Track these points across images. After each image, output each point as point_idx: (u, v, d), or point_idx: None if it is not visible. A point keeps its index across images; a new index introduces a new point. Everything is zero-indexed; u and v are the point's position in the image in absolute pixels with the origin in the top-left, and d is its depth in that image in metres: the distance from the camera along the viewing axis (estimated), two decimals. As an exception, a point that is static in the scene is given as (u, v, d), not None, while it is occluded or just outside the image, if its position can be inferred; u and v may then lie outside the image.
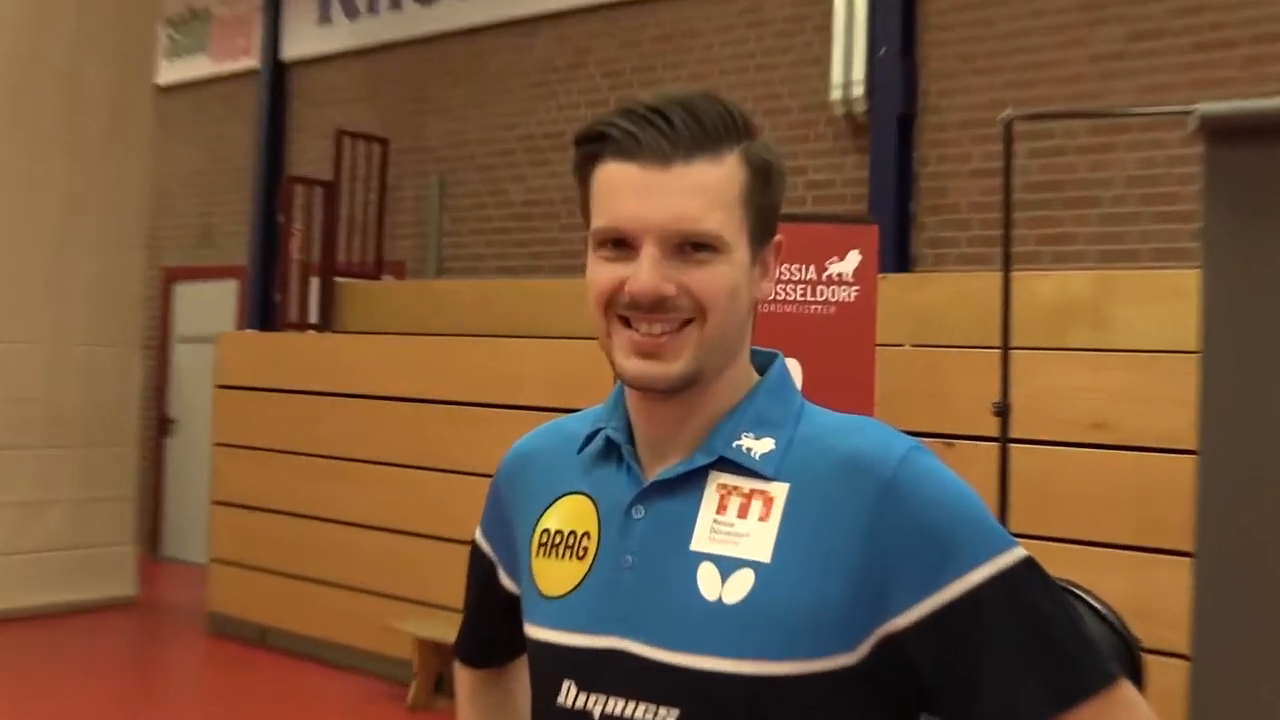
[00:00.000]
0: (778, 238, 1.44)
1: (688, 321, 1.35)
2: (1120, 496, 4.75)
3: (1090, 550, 4.71)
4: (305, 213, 9.13)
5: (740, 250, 1.37)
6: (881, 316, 4.99)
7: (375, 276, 9.31)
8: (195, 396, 10.83)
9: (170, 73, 11.32)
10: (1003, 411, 4.43)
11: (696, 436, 1.40)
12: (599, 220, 1.37)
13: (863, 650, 1.30)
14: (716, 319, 1.35)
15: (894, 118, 7.10)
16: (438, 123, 9.59)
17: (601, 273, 1.37)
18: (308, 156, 10.39)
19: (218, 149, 11.42)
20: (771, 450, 1.37)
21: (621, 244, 1.36)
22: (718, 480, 1.38)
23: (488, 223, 9.21)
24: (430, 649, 6.76)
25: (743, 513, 1.36)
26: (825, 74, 7.40)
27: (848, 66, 7.24)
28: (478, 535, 1.65)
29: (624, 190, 1.35)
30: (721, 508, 1.37)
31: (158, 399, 11.46)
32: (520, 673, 1.70)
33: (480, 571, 1.65)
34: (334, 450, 7.69)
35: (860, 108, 7.24)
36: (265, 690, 7.31)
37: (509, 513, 1.58)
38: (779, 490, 1.35)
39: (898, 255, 6.95)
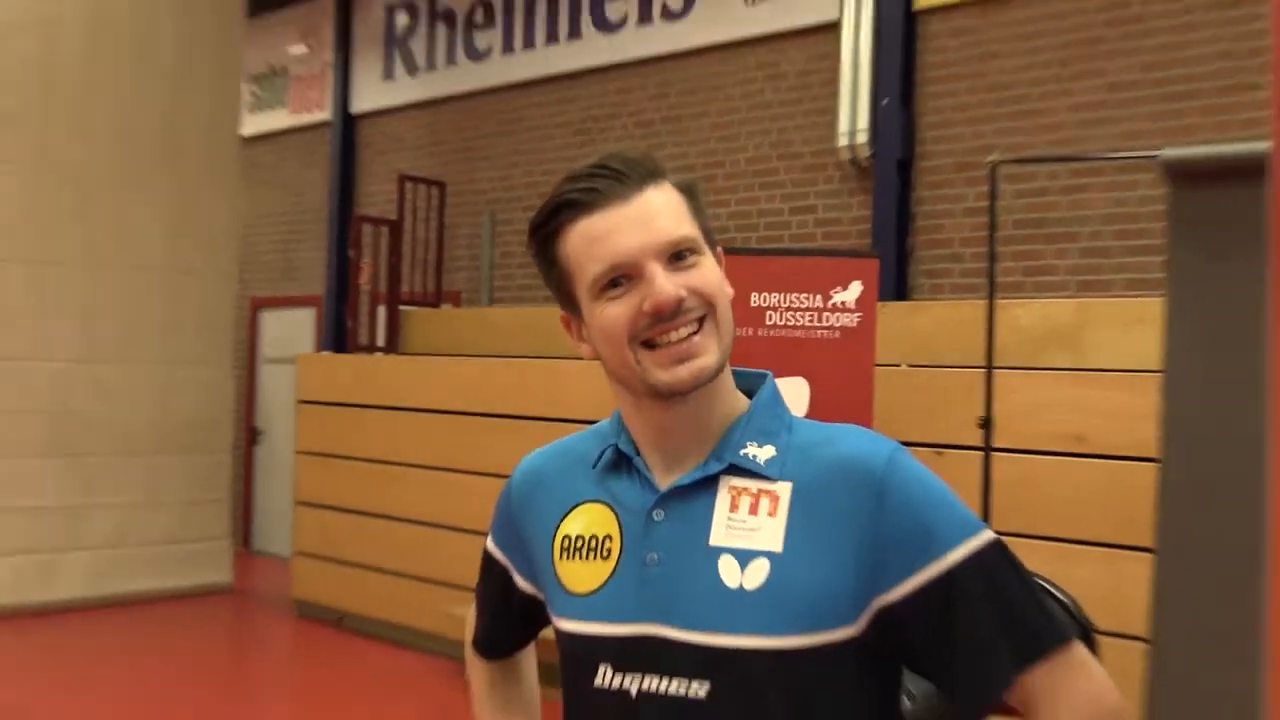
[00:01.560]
0: (719, 249, 1.45)
1: (702, 319, 1.36)
2: (1094, 500, 4.74)
3: (1066, 546, 4.70)
4: (373, 249, 9.19)
5: (709, 252, 1.40)
6: (880, 340, 4.97)
7: (434, 304, 9.38)
8: (280, 411, 10.94)
9: (254, 124, 11.44)
10: (986, 424, 4.43)
11: (705, 445, 1.41)
12: (594, 269, 1.36)
13: (863, 622, 1.33)
14: (722, 307, 1.38)
15: (894, 162, 7.09)
16: (489, 168, 9.62)
17: (615, 311, 1.36)
18: (375, 199, 10.46)
19: (296, 192, 11.52)
20: (774, 456, 1.39)
21: (620, 280, 1.36)
22: (728, 484, 1.39)
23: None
24: (485, 633, 6.79)
25: (753, 510, 1.37)
26: (833, 123, 7.40)
27: (853, 116, 7.23)
28: (489, 545, 1.64)
29: (606, 234, 1.35)
30: (734, 507, 1.38)
31: (247, 413, 11.54)
32: (526, 660, 1.74)
33: (495, 577, 1.64)
34: (400, 457, 7.74)
35: (864, 153, 7.23)
36: (342, 667, 7.35)
37: (521, 524, 1.56)
38: (783, 489, 1.37)
39: (896, 286, 6.93)
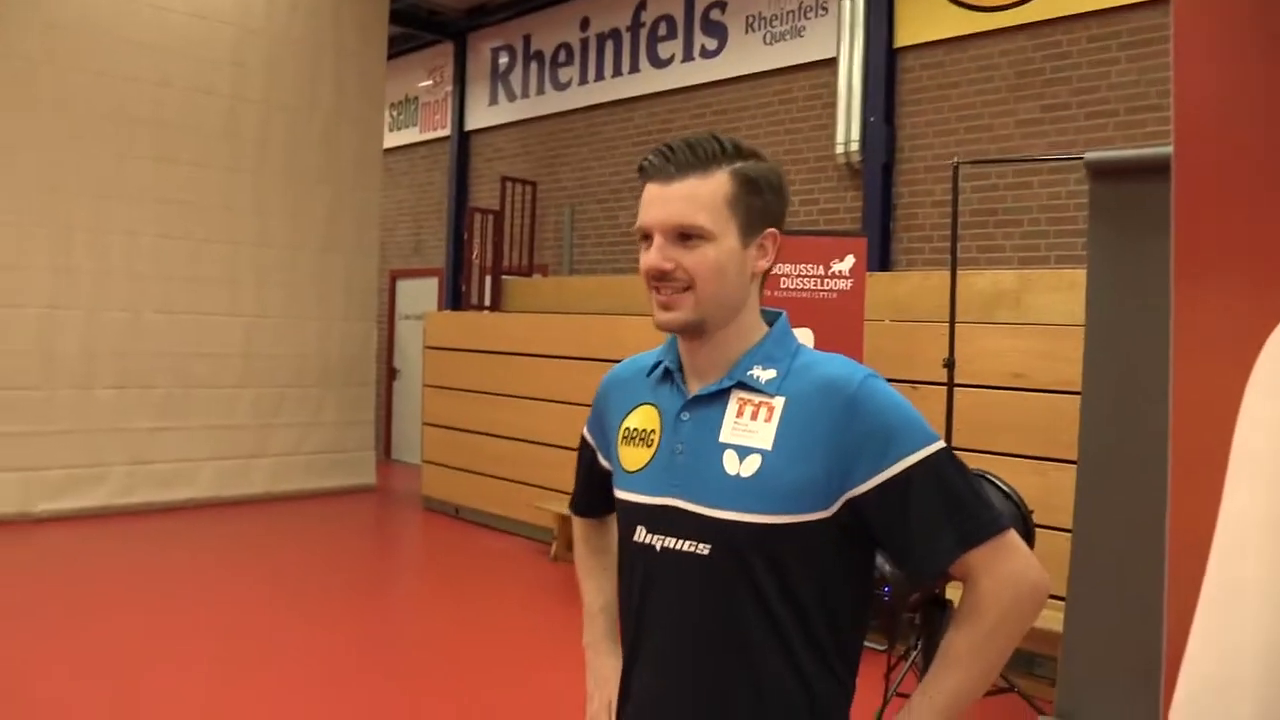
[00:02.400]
0: (771, 229, 1.40)
1: (688, 287, 1.35)
2: (1031, 423, 4.71)
3: (1009, 459, 4.68)
4: (481, 232, 9.22)
5: (729, 238, 1.35)
6: (869, 302, 4.98)
7: (528, 274, 9.40)
8: (412, 355, 11.02)
9: (392, 139, 11.47)
10: (950, 365, 4.42)
11: (723, 367, 1.41)
12: (638, 222, 1.39)
13: (834, 508, 1.32)
14: (704, 286, 1.35)
15: (879, 165, 7.02)
16: (569, 171, 9.60)
17: (643, 257, 1.39)
18: (483, 195, 10.48)
19: (424, 190, 11.55)
20: (774, 377, 1.38)
21: (647, 236, 1.38)
22: (738, 396, 1.39)
23: (603, 238, 9.24)
24: (565, 521, 6.81)
25: (754, 416, 1.36)
26: (832, 135, 7.34)
27: (848, 130, 7.17)
28: (584, 431, 1.66)
29: (647, 201, 1.37)
30: (740, 413, 1.37)
31: (388, 356, 11.65)
32: (614, 522, 1.74)
33: (586, 456, 1.65)
34: (501, 389, 7.78)
35: (856, 159, 7.17)
36: (458, 546, 7.42)
37: (604, 417, 1.58)
38: (778, 402, 1.36)
39: (881, 260, 6.88)
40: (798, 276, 4.76)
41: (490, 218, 9.20)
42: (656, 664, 1.42)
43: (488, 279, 9.11)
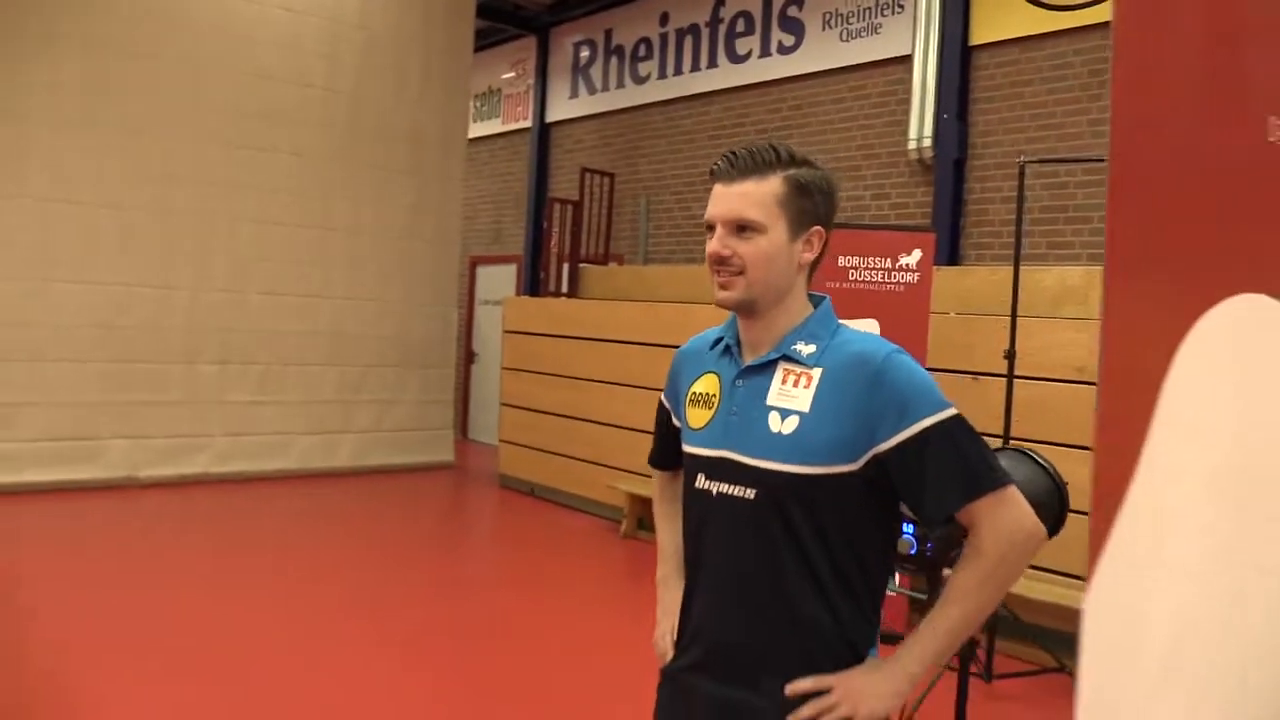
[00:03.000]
0: (817, 227, 1.61)
1: (741, 271, 1.57)
2: (1089, 415, 4.75)
3: (1066, 450, 4.70)
4: (560, 221, 9.35)
5: (778, 232, 1.57)
6: (935, 295, 5.03)
7: (604, 263, 9.47)
8: (491, 338, 11.20)
9: (476, 130, 11.65)
10: (1010, 357, 4.49)
11: (772, 342, 1.62)
12: (705, 215, 1.61)
13: (861, 463, 1.53)
14: (754, 271, 1.58)
15: (951, 161, 7.08)
16: (646, 163, 9.72)
17: (708, 244, 1.61)
18: (562, 185, 10.65)
19: (505, 180, 11.72)
20: (814, 351, 1.59)
21: (712, 227, 1.60)
22: (783, 366, 1.60)
23: (678, 229, 9.35)
24: (635, 500, 6.96)
25: (795, 384, 1.58)
26: (905, 131, 7.41)
27: (920, 126, 7.23)
28: (661, 397, 1.87)
29: (713, 198, 1.61)
30: (784, 381, 1.59)
31: (467, 339, 11.82)
32: None
33: (662, 417, 1.87)
34: (576, 373, 7.91)
35: (928, 154, 7.23)
36: (532, 523, 7.57)
37: (676, 382, 1.80)
38: (816, 372, 1.57)
39: (950, 255, 6.94)
40: (866, 269, 4.89)
41: (569, 207, 9.35)
42: (708, 596, 1.64)
43: (565, 266, 9.25)
